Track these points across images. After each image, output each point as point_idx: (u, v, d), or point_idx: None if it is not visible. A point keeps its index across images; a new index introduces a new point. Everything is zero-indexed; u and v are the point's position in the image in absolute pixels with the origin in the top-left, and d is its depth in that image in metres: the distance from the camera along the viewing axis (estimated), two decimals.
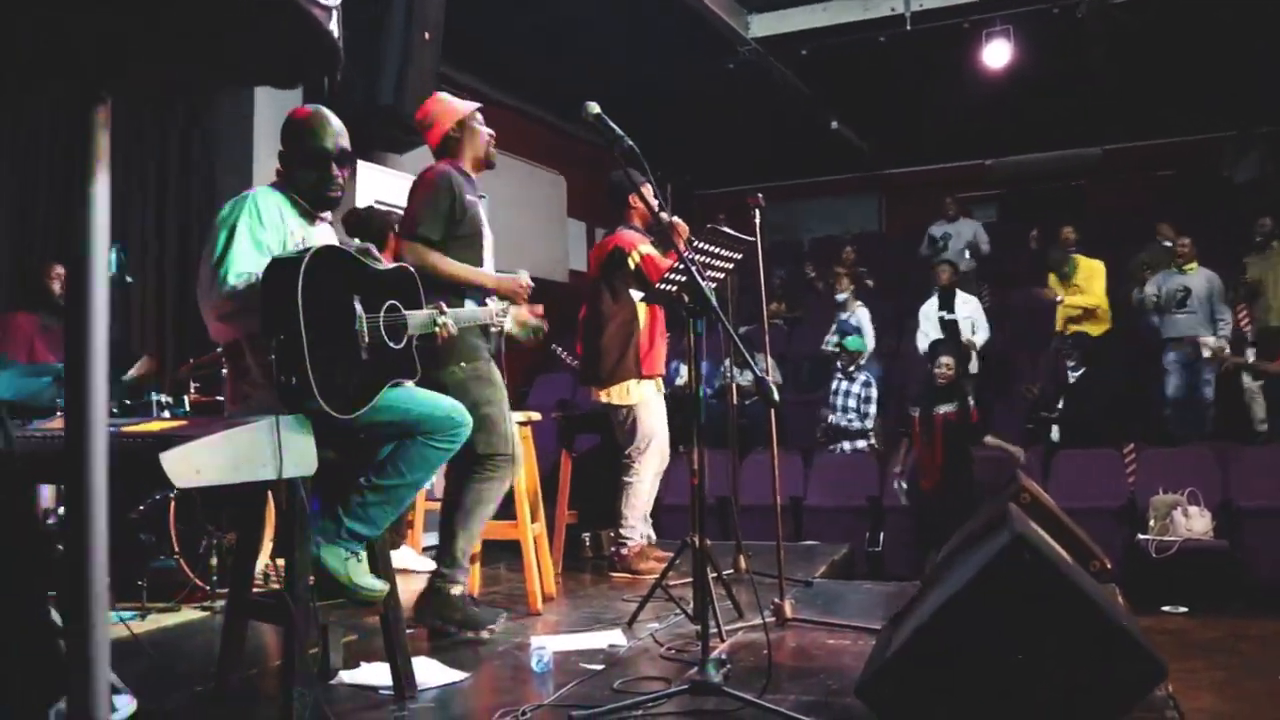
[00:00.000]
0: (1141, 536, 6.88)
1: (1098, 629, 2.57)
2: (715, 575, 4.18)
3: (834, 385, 8.66)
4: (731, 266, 4.21)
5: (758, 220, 4.25)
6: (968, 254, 10.86)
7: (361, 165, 7.80)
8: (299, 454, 2.80)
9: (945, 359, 7.76)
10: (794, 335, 10.94)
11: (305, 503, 2.94)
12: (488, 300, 3.95)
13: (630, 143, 3.08)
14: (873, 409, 8.57)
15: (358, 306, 2.96)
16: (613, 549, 5.41)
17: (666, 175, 12.87)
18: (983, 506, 4.63)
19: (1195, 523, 6.79)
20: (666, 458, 5.39)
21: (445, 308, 3.38)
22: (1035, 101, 10.90)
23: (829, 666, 3.44)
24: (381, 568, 3.22)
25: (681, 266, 3.75)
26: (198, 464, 2.49)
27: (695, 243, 3.85)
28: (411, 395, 3.15)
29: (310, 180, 3.19)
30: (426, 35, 7.36)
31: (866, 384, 8.62)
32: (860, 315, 9.62)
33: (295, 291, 2.74)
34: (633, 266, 5.03)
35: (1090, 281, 9.03)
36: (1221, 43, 9.67)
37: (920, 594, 3.41)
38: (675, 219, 5.03)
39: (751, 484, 7.62)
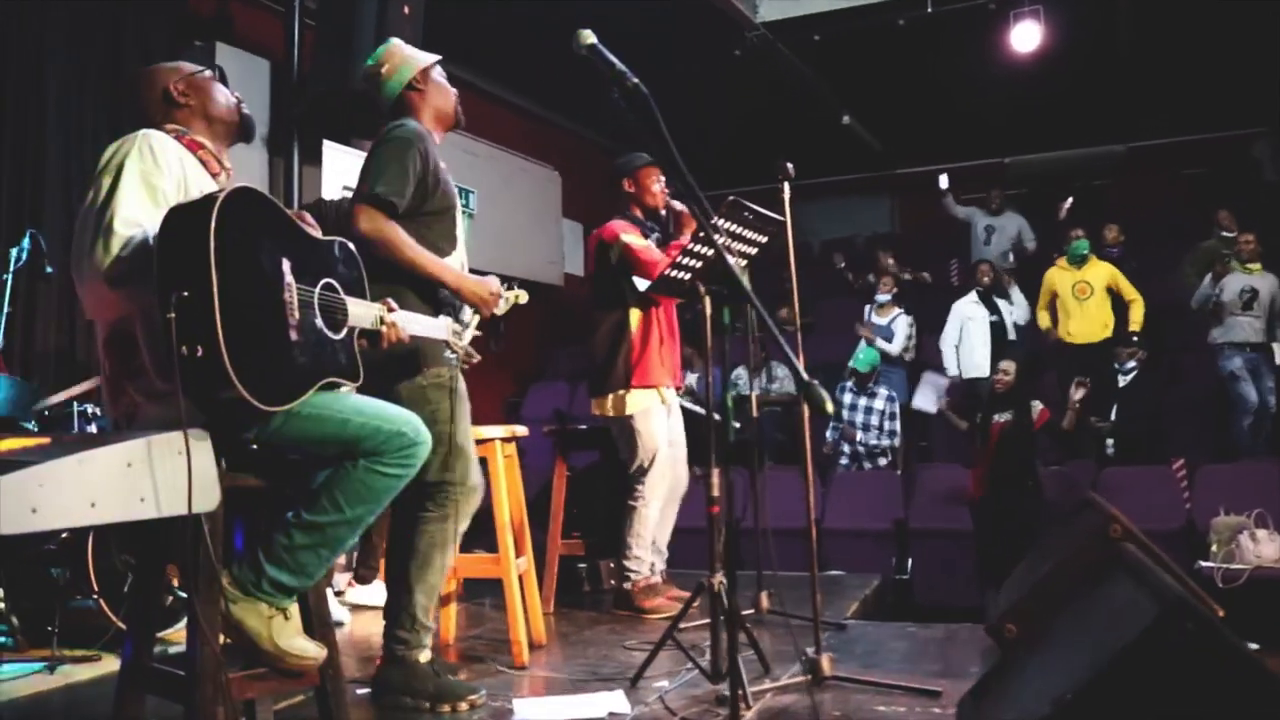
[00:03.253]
0: (1204, 564, 6.14)
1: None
2: (738, 621, 3.49)
3: (846, 400, 7.94)
4: (755, 252, 3.51)
5: (787, 195, 3.50)
6: (1012, 255, 10.16)
7: (334, 149, 7.13)
8: (193, 483, 2.10)
9: (1005, 364, 7.10)
10: (806, 343, 10.19)
11: (209, 546, 2.24)
12: (443, 317, 3.13)
13: (636, 80, 2.36)
14: (897, 426, 7.87)
15: (287, 271, 2.26)
16: (613, 582, 4.71)
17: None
18: (1049, 532, 3.95)
19: (1265, 548, 6.05)
20: (682, 479, 4.70)
21: (395, 305, 2.67)
22: (1057, 96, 10.25)
23: None
24: (316, 627, 2.51)
25: (697, 249, 3.06)
26: (34, 500, 1.79)
27: (715, 220, 3.13)
28: (352, 403, 2.44)
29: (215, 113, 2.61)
30: (406, 9, 6.64)
31: (890, 399, 7.92)
32: (899, 323, 8.93)
33: (206, 234, 2.05)
34: (614, 259, 4.34)
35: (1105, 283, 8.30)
36: (1253, 34, 9.02)
37: (1008, 660, 2.70)
38: (681, 207, 4.34)
39: (766, 506, 6.95)
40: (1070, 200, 9.68)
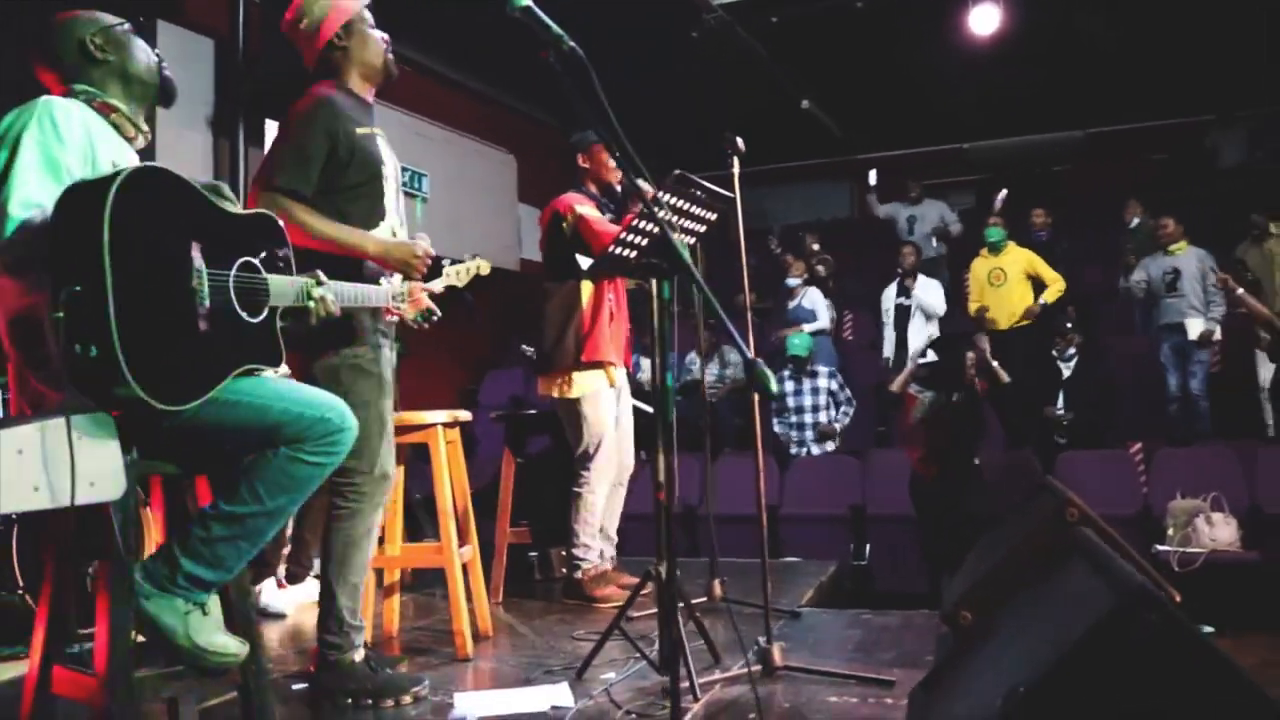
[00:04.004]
0: (1160, 548, 6.12)
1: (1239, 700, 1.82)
2: (684, 607, 3.39)
3: (788, 388, 7.87)
4: (704, 229, 3.40)
5: (736, 170, 3.37)
6: (934, 240, 10.17)
7: None
8: (93, 471, 1.97)
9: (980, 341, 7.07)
10: (765, 327, 10.14)
11: (118, 538, 2.11)
12: (383, 280, 3.00)
13: (572, 43, 2.24)
14: (848, 393, 7.83)
15: (197, 257, 2.12)
16: (564, 571, 4.60)
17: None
18: (1004, 516, 3.87)
19: (1220, 531, 6.03)
20: (629, 464, 4.59)
21: (324, 276, 2.53)
22: (1016, 81, 10.20)
23: None
24: (239, 623, 2.38)
25: (642, 225, 2.94)
26: None
27: (660, 195, 3.00)
28: (273, 388, 2.30)
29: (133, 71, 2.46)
30: None
31: (831, 374, 7.86)
32: (813, 297, 8.92)
33: (100, 223, 1.91)
34: (566, 230, 4.21)
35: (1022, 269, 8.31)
36: (1207, 20, 9.07)
37: (961, 649, 2.62)
38: (641, 182, 4.21)
39: (721, 491, 6.86)
40: (1005, 192, 9.66)
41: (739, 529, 6.89)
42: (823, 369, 7.88)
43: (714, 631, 3.89)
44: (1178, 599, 3.14)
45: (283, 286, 2.38)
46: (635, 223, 3.01)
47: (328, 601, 3.01)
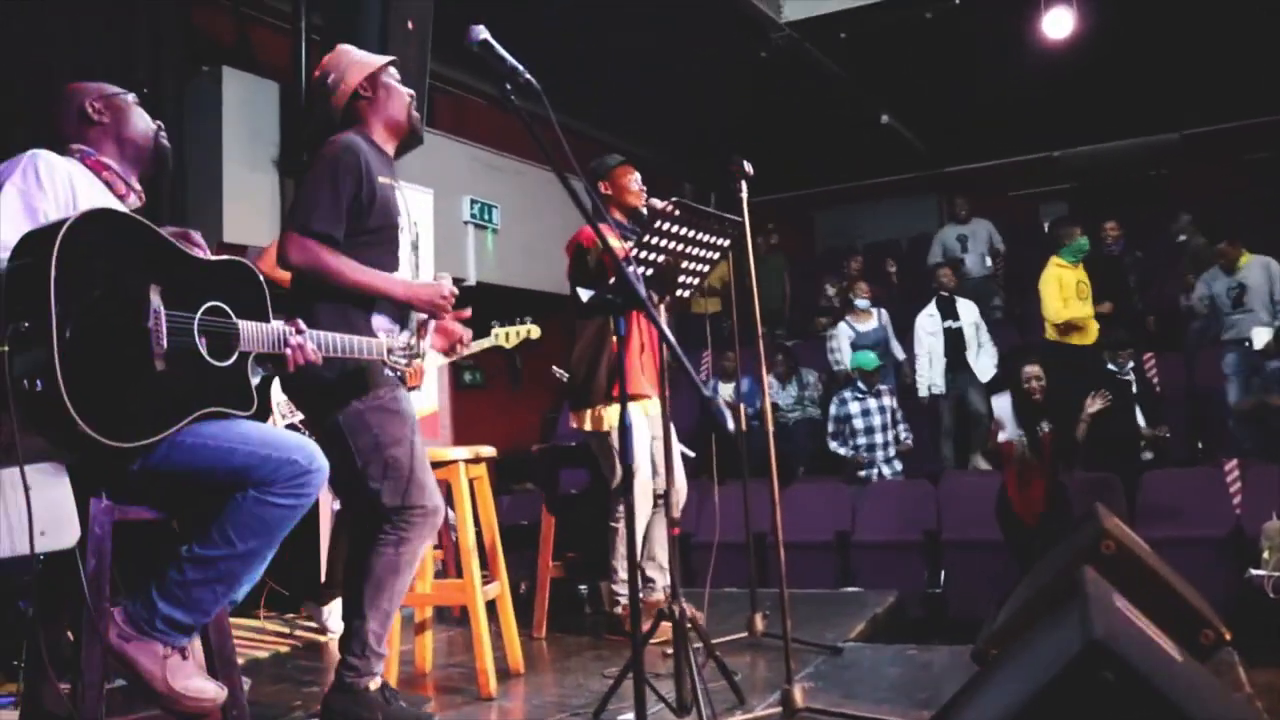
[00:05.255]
0: (1254, 572, 5.77)
1: None
2: (706, 648, 3.31)
3: (848, 410, 7.70)
4: (717, 256, 3.32)
5: (744, 194, 3.29)
6: (989, 259, 9.89)
7: None
8: (45, 519, 1.98)
9: (1030, 369, 6.71)
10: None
11: (84, 584, 2.12)
12: (384, 335, 2.93)
13: (529, 77, 2.20)
14: (902, 414, 7.66)
15: (154, 297, 2.13)
16: (611, 610, 4.54)
17: (705, 184, 12.02)
18: (1057, 548, 3.68)
19: None
20: (681, 489, 4.50)
21: (304, 325, 2.52)
22: (1104, 84, 9.86)
23: None
24: (219, 666, 2.38)
25: (647, 256, 2.88)
26: None
27: (659, 224, 2.94)
28: (240, 431, 2.30)
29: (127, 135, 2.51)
30: (410, 24, 6.55)
31: (892, 393, 7.73)
32: (885, 319, 8.76)
33: (48, 261, 1.94)
34: (591, 263, 4.15)
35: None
36: None
37: (972, 684, 2.49)
38: (660, 204, 4.14)
39: (793, 518, 6.73)
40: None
41: (811, 556, 6.78)
42: (884, 387, 7.74)
43: (755, 668, 3.81)
44: (1228, 637, 2.96)
45: (256, 332, 2.38)
46: (638, 254, 2.95)
47: (356, 624, 2.99)
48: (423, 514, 2.98)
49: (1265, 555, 5.85)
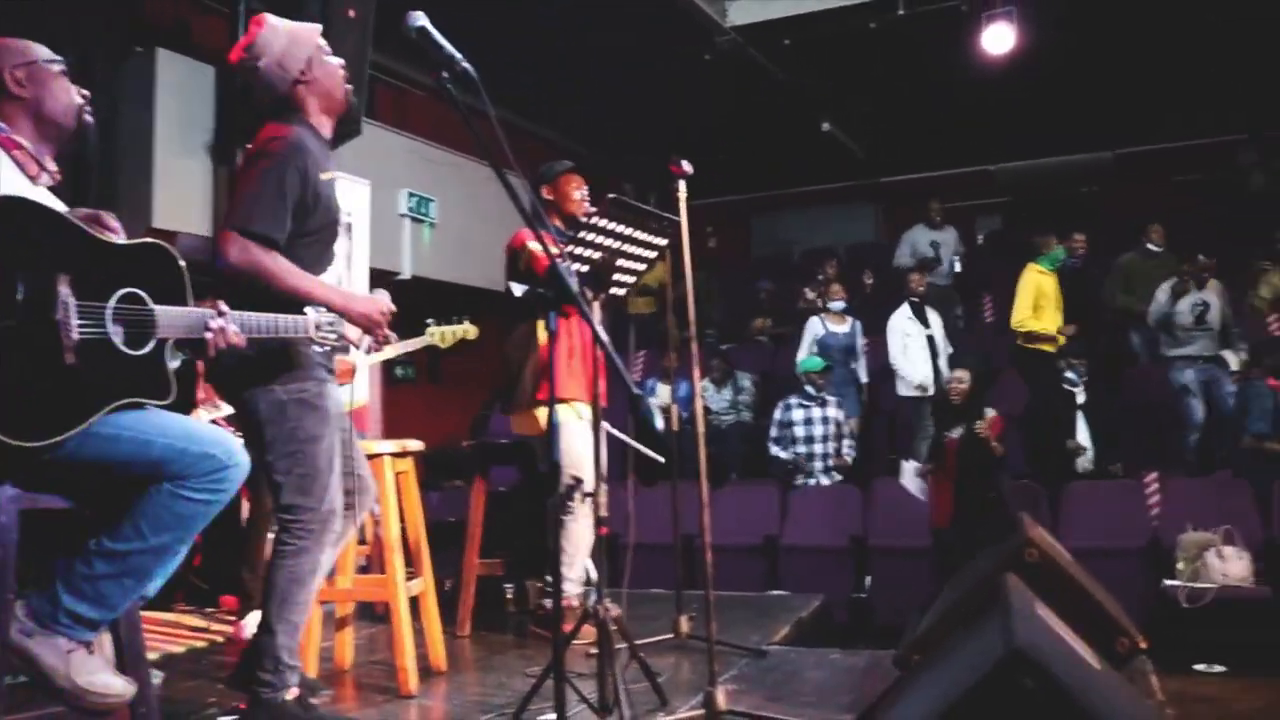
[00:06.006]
0: (1169, 582, 5.92)
1: None
2: (629, 648, 3.28)
3: (791, 416, 7.71)
4: (654, 255, 3.31)
5: (682, 195, 3.27)
6: (958, 263, 9.99)
7: None
8: None
9: (959, 372, 6.82)
10: (781, 354, 10.00)
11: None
12: (308, 309, 2.81)
13: (466, 66, 2.17)
14: (848, 434, 7.67)
15: (62, 288, 2.06)
16: (541, 603, 4.50)
17: (645, 185, 12.02)
18: (980, 555, 3.71)
19: (1232, 566, 5.82)
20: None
21: (225, 306, 2.44)
22: (1041, 101, 10.04)
23: None
24: (129, 662, 2.31)
25: (580, 252, 2.85)
26: None
27: (595, 221, 2.91)
28: (157, 423, 2.23)
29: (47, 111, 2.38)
30: (351, 13, 6.45)
31: (839, 405, 7.72)
32: (858, 329, 8.74)
33: None
34: (522, 267, 4.12)
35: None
36: (1238, 38, 8.89)
37: (895, 687, 2.50)
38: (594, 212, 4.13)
39: (724, 521, 6.74)
40: None
41: (739, 559, 6.80)
42: (831, 399, 7.74)
43: (679, 669, 3.80)
44: (1143, 645, 3.01)
45: (173, 318, 2.30)
46: (572, 250, 2.92)
47: (265, 638, 2.92)
48: (323, 518, 2.87)
49: (1180, 566, 6.00)
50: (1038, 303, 7.92)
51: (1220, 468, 7.06)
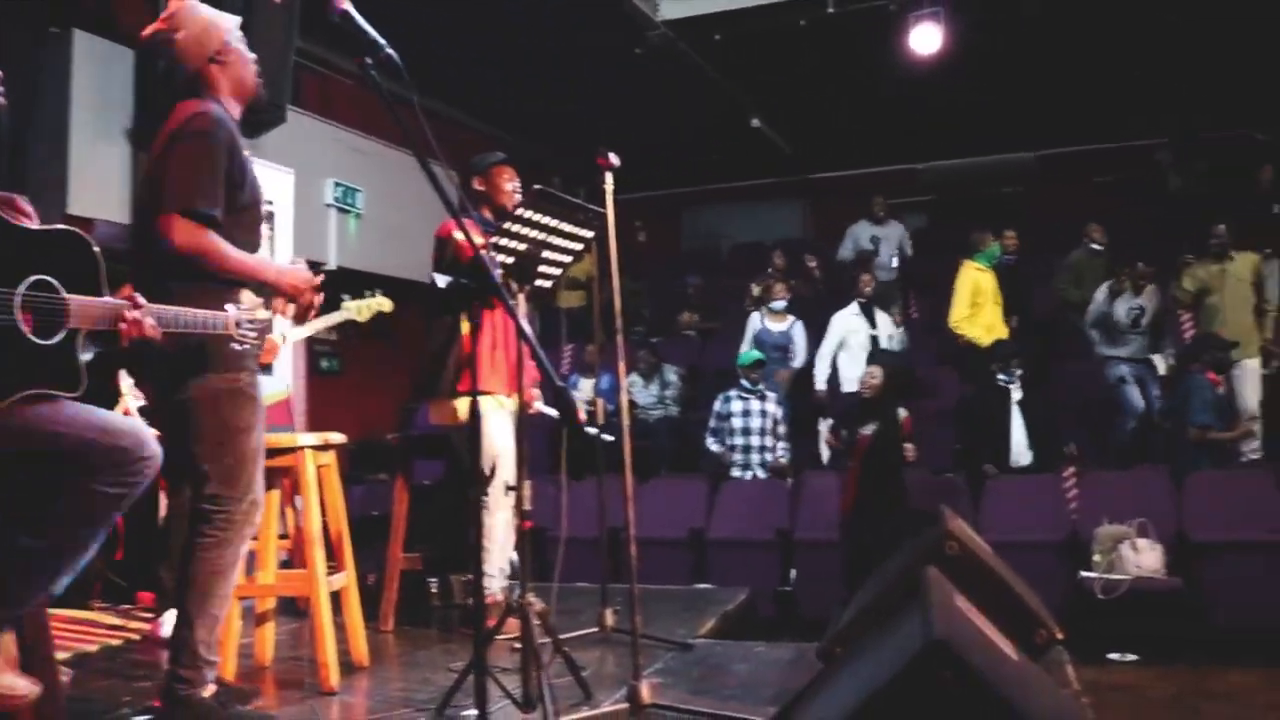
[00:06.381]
0: (1085, 574, 6.05)
1: None
2: (554, 643, 3.27)
3: (735, 407, 7.74)
4: (580, 248, 3.29)
5: (609, 187, 3.26)
6: (896, 259, 10.08)
7: None
8: None
9: (871, 368, 6.90)
10: (709, 348, 10.05)
11: None
12: (229, 306, 2.76)
13: (390, 52, 2.13)
14: (784, 430, 7.72)
15: None
16: (466, 598, 4.47)
17: (575, 178, 12.00)
18: (903, 547, 3.76)
19: (1145, 558, 5.97)
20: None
21: (141, 299, 2.38)
22: (967, 101, 10.18)
23: None
24: (35, 662, 2.24)
25: (505, 243, 2.83)
26: None
27: (521, 213, 2.89)
28: (67, 415, 2.17)
29: None
30: None
31: (779, 402, 7.75)
32: (797, 330, 8.78)
33: None
34: (449, 256, 4.08)
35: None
36: (1161, 44, 9.08)
37: (817, 680, 2.52)
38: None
39: (651, 515, 6.75)
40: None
41: (666, 553, 6.81)
42: (770, 394, 7.78)
43: (604, 663, 3.80)
44: (1060, 636, 3.07)
45: (86, 307, 2.24)
46: (496, 240, 2.90)
47: (184, 632, 2.85)
48: (245, 508, 2.85)
49: (1096, 558, 6.14)
50: (975, 300, 8.06)
51: (1147, 463, 7.22)
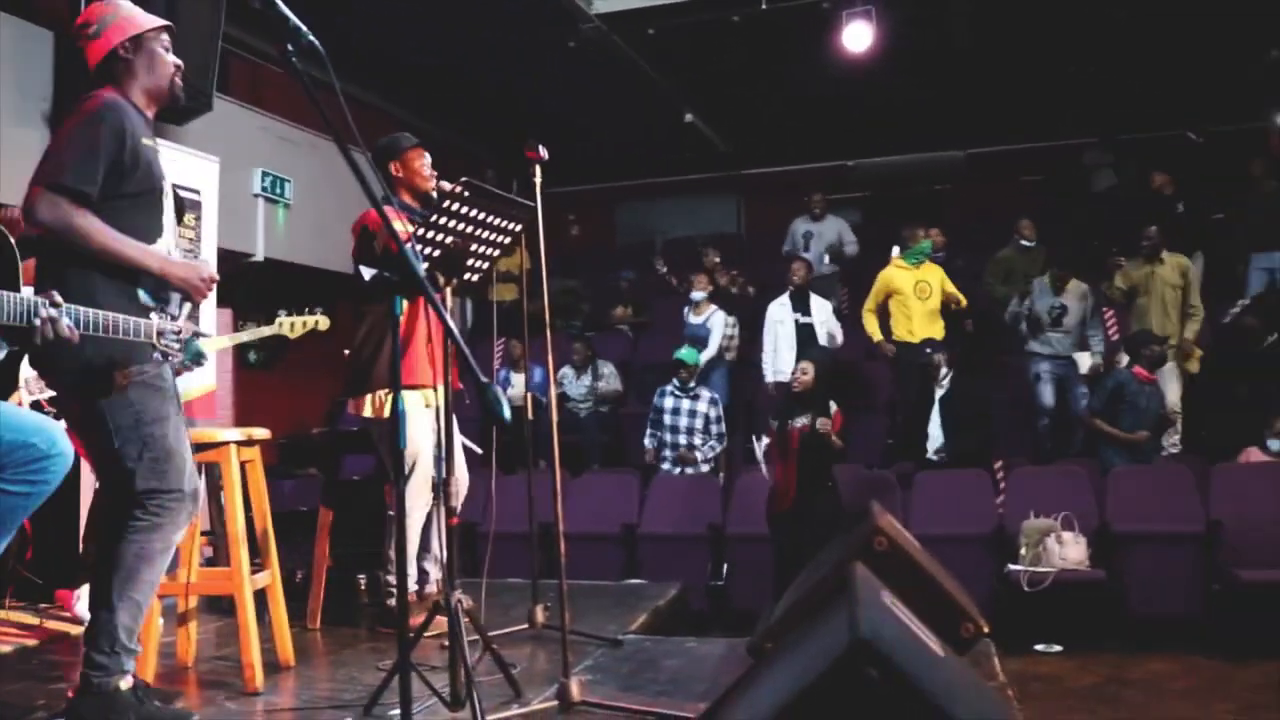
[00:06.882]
0: (1012, 567, 6.15)
1: None
2: (482, 640, 3.24)
3: (668, 404, 7.74)
4: (508, 241, 3.26)
5: (538, 180, 3.23)
6: (826, 257, 10.14)
7: None
8: None
9: (803, 363, 6.95)
10: (640, 343, 10.04)
11: None
12: (156, 315, 2.76)
13: (312, 39, 2.09)
14: (723, 428, 7.73)
15: None
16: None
17: (507, 170, 11.93)
18: (832, 543, 3.78)
19: (1070, 550, 6.08)
20: (464, 480, 4.39)
21: (59, 298, 2.31)
22: (898, 99, 10.29)
23: None
24: None
25: (431, 236, 2.79)
26: None
27: (449, 205, 2.85)
28: None
29: None
30: None
31: (713, 401, 7.76)
32: (715, 320, 8.78)
33: None
34: (379, 249, 4.01)
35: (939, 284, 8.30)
36: (1087, 45, 9.28)
37: (745, 677, 2.51)
38: (450, 187, 4.03)
39: (583, 510, 6.74)
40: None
41: (597, 548, 6.80)
42: (705, 393, 7.78)
43: (535, 660, 3.77)
44: (986, 630, 3.10)
45: (3, 304, 2.16)
46: (421, 233, 2.86)
47: (105, 615, 2.77)
48: (179, 498, 2.81)
49: (1023, 551, 6.24)
50: (897, 297, 8.12)
51: (1069, 459, 7.36)
